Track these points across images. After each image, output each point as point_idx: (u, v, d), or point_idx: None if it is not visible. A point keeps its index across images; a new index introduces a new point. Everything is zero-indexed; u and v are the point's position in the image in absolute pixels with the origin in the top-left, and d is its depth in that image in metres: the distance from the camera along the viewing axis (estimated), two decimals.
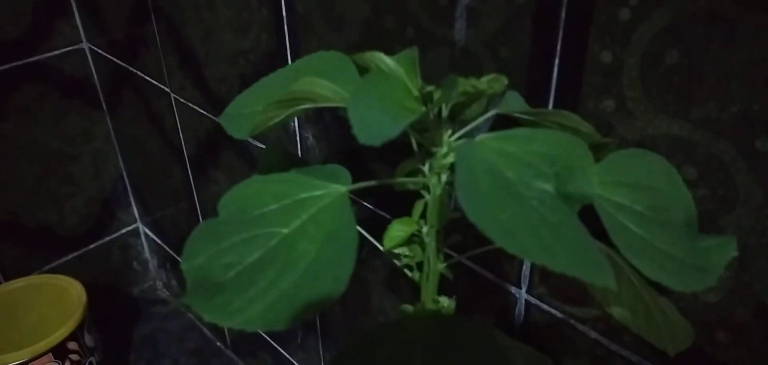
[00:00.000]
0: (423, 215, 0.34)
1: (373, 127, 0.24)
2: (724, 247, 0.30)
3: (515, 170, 0.26)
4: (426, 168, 0.32)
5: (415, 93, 0.30)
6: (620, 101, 0.34)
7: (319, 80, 0.29)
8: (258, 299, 0.24)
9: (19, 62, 0.88)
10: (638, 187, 0.31)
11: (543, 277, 0.43)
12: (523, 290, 0.45)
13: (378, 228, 0.36)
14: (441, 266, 0.35)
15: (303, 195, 0.27)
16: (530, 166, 0.26)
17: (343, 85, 0.30)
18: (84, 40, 0.93)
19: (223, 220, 0.27)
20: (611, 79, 0.33)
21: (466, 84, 0.29)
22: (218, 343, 1.04)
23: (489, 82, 0.29)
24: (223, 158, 0.75)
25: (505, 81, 0.29)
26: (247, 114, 0.32)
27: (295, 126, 0.59)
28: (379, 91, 0.27)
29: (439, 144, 0.31)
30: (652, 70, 0.32)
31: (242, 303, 0.24)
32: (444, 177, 0.32)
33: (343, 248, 0.25)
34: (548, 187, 0.26)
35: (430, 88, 0.30)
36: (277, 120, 0.30)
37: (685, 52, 0.30)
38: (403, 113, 0.26)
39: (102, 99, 0.99)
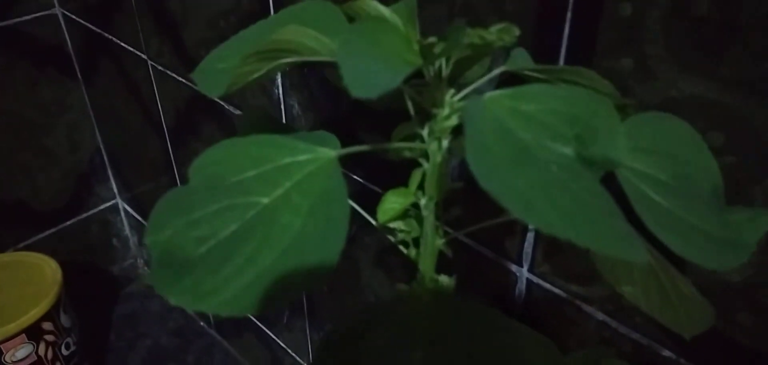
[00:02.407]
0: (420, 186, 0.31)
1: (369, 77, 0.21)
2: (757, 221, 0.27)
3: (531, 131, 0.22)
4: (425, 133, 0.29)
5: (414, 44, 0.26)
6: (640, 59, 0.30)
7: (304, 29, 0.25)
8: (233, 279, 0.21)
9: None
10: (661, 154, 0.28)
11: (547, 254, 0.40)
12: (525, 268, 0.42)
13: (368, 202, 0.33)
14: (439, 242, 0.32)
15: (286, 160, 0.24)
16: (548, 127, 0.23)
17: (331, 37, 0.27)
18: (57, 4, 0.88)
19: (194, 187, 0.23)
20: (630, 34, 0.30)
21: (473, 35, 0.25)
22: (201, 323, 1.01)
23: (498, 32, 0.26)
24: (204, 129, 0.71)
25: (516, 32, 0.26)
26: (222, 69, 0.28)
27: (279, 93, 0.55)
28: (374, 38, 0.23)
29: (440, 105, 0.28)
30: (677, 24, 0.29)
31: (215, 284, 0.21)
32: (445, 142, 0.29)
33: (332, 221, 0.21)
34: (568, 150, 0.22)
35: (431, 39, 0.26)
36: (256, 75, 0.27)
37: (716, 3, 0.27)
38: (401, 63, 0.23)
39: (77, 67, 0.94)
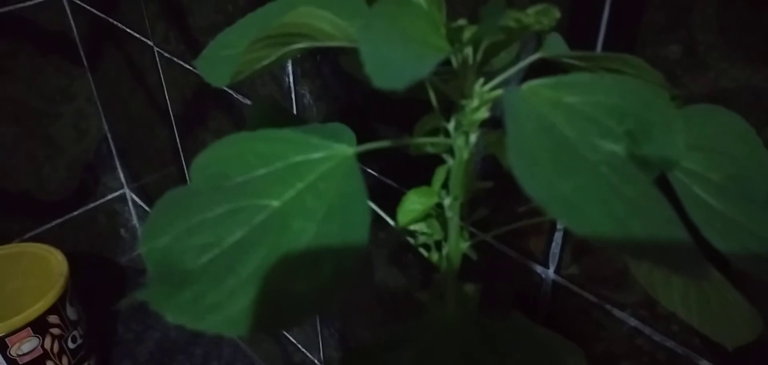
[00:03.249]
0: (445, 185, 0.28)
1: (394, 66, 0.18)
2: None
3: (576, 127, 0.20)
4: (451, 126, 0.26)
5: (442, 29, 0.24)
6: (689, 45, 0.27)
7: (319, 11, 0.23)
8: (239, 293, 0.18)
9: None
10: (713, 151, 0.26)
11: (576, 255, 0.37)
12: (551, 270, 0.39)
13: (384, 198, 0.30)
14: (464, 245, 0.29)
15: (299, 158, 0.21)
16: (595, 121, 0.20)
17: (348, 20, 0.24)
18: None
19: (196, 188, 0.21)
20: (679, 17, 0.27)
21: (509, 17, 0.22)
22: None
23: (536, 15, 0.23)
24: (212, 118, 0.68)
25: (556, 14, 0.23)
26: (227, 56, 0.26)
27: (290, 82, 0.53)
28: (397, 22, 0.21)
29: (469, 96, 0.25)
30: (732, 5, 0.26)
31: (218, 299, 0.18)
32: (473, 137, 0.26)
33: (350, 227, 0.19)
34: (619, 149, 0.20)
35: (460, 22, 0.24)
36: (265, 63, 0.24)
37: None
38: (430, 50, 0.20)
39: (82, 54, 0.92)
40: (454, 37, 0.24)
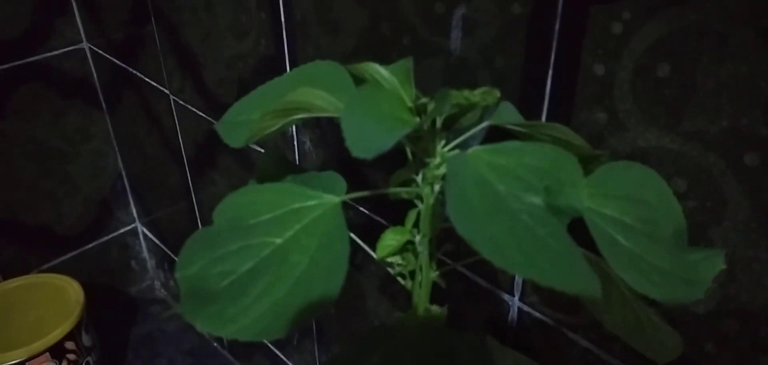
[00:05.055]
0: (416, 224, 0.35)
1: (366, 139, 0.24)
2: (712, 260, 0.30)
3: (506, 183, 0.26)
4: (419, 178, 0.33)
5: (409, 104, 0.30)
6: (612, 113, 0.34)
7: (314, 91, 0.29)
8: (251, 308, 0.25)
9: (19, 62, 0.89)
10: (628, 199, 0.32)
11: (535, 285, 0.44)
12: (516, 297, 0.45)
13: (374, 234, 0.36)
14: (433, 274, 0.35)
15: (296, 205, 0.27)
16: (521, 179, 0.27)
17: (338, 95, 0.31)
18: (84, 39, 0.94)
19: (217, 229, 0.27)
20: (604, 91, 0.34)
21: (458, 96, 0.29)
22: (215, 344, 1.05)
23: (482, 94, 0.29)
24: (221, 161, 0.75)
25: (497, 94, 0.30)
26: (243, 122, 0.32)
27: (292, 131, 0.60)
28: (372, 103, 0.27)
29: (433, 155, 0.32)
30: (643, 83, 0.32)
31: (235, 312, 0.24)
32: (437, 187, 0.32)
33: (334, 258, 0.25)
34: (538, 200, 0.26)
35: (424, 99, 0.30)
36: (273, 129, 0.31)
37: (676, 66, 0.31)
38: (396, 125, 0.27)
39: (101, 99, 0.99)
40: (420, 110, 0.31)
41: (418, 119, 0.30)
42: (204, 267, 0.26)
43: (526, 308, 0.45)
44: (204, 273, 0.26)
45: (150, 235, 1.10)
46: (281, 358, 0.85)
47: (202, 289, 0.25)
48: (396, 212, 0.36)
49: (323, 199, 0.28)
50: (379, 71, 0.32)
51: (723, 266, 0.31)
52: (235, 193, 0.28)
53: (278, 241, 0.26)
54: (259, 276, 0.25)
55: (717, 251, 0.31)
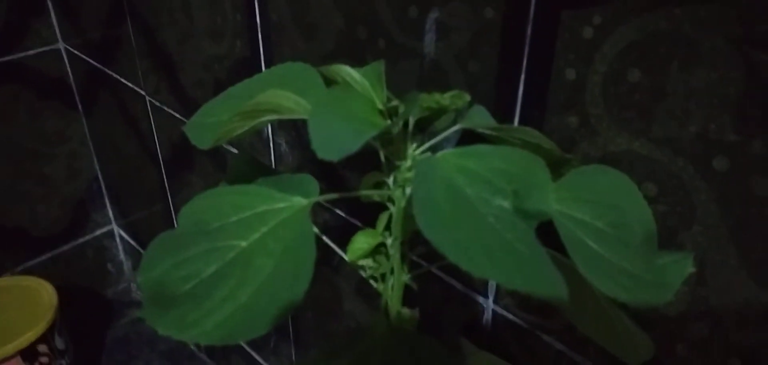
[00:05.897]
0: (388, 227, 0.34)
1: (333, 141, 0.24)
2: (681, 263, 0.31)
3: (474, 187, 0.26)
4: (390, 181, 0.33)
5: (380, 106, 0.30)
6: (584, 117, 0.34)
7: (283, 92, 0.29)
8: (213, 312, 0.24)
9: None
10: (599, 203, 0.32)
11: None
12: (490, 299, 0.45)
13: (350, 236, 0.36)
14: (405, 277, 0.35)
15: (263, 208, 0.27)
16: (489, 183, 0.26)
17: (308, 97, 0.30)
18: (60, 40, 0.92)
19: (181, 231, 0.27)
20: (575, 95, 0.34)
21: (429, 100, 0.29)
22: (192, 346, 1.03)
23: (452, 98, 0.29)
24: (197, 162, 0.74)
25: (467, 98, 0.30)
26: (210, 124, 0.32)
27: (268, 133, 0.59)
28: (341, 104, 0.27)
29: (403, 157, 0.31)
30: (614, 88, 0.32)
31: (197, 316, 0.24)
32: (408, 190, 0.32)
33: (300, 263, 0.25)
34: (506, 204, 0.26)
35: (395, 102, 0.30)
36: (241, 131, 0.30)
37: (647, 72, 0.31)
38: (364, 127, 0.26)
39: (78, 100, 0.98)
40: (391, 113, 0.30)
41: (388, 122, 0.30)
42: (167, 271, 0.26)
43: (500, 310, 0.45)
44: (167, 277, 0.25)
45: (126, 237, 1.09)
46: (258, 361, 0.84)
47: (164, 293, 0.25)
48: (372, 214, 0.35)
49: (291, 202, 0.28)
50: (350, 73, 0.31)
51: (692, 270, 0.31)
52: (200, 195, 0.28)
53: (243, 244, 0.26)
54: (222, 279, 0.25)
55: (686, 254, 0.31)
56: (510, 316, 0.44)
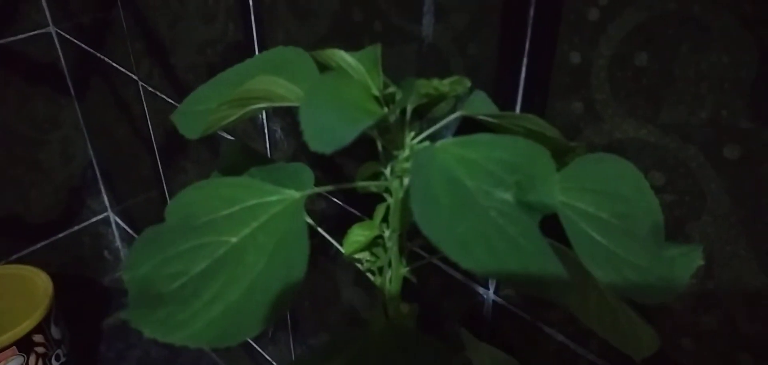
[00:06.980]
0: (385, 219, 0.33)
1: (326, 132, 0.23)
2: (689, 256, 0.29)
3: (475, 179, 0.25)
4: (387, 171, 0.31)
5: (376, 93, 0.29)
6: (588, 103, 0.33)
7: (274, 79, 0.28)
8: (202, 313, 0.23)
9: None
10: (604, 193, 0.31)
11: None
12: (491, 291, 0.44)
13: (349, 227, 0.35)
14: (404, 270, 0.34)
15: (254, 201, 0.26)
16: (491, 174, 0.25)
17: (300, 84, 0.29)
18: (51, 23, 0.90)
19: (169, 227, 0.26)
20: (580, 80, 0.33)
21: (427, 86, 0.27)
22: None
23: (451, 84, 0.28)
24: (192, 149, 0.73)
25: (467, 83, 0.28)
26: (200, 112, 0.30)
27: (263, 119, 0.58)
28: (334, 92, 0.26)
29: (401, 147, 0.30)
30: (620, 72, 0.31)
31: (185, 317, 0.23)
32: (406, 180, 0.31)
33: (292, 262, 0.23)
34: (508, 196, 0.25)
35: (392, 88, 0.29)
36: (230, 120, 0.29)
37: (655, 55, 0.30)
38: (359, 116, 0.25)
39: (70, 84, 0.96)
40: (387, 100, 0.29)
41: (385, 110, 0.28)
42: (154, 268, 0.24)
43: (501, 301, 0.44)
44: (153, 275, 0.24)
45: (122, 224, 1.08)
46: (257, 349, 0.84)
47: (151, 292, 0.24)
48: (371, 204, 0.34)
49: (284, 194, 0.26)
50: (345, 59, 0.30)
51: (701, 263, 0.30)
52: (189, 188, 0.27)
53: (233, 240, 0.25)
54: (212, 278, 0.24)
55: (694, 246, 0.30)
56: (511, 308, 0.43)
